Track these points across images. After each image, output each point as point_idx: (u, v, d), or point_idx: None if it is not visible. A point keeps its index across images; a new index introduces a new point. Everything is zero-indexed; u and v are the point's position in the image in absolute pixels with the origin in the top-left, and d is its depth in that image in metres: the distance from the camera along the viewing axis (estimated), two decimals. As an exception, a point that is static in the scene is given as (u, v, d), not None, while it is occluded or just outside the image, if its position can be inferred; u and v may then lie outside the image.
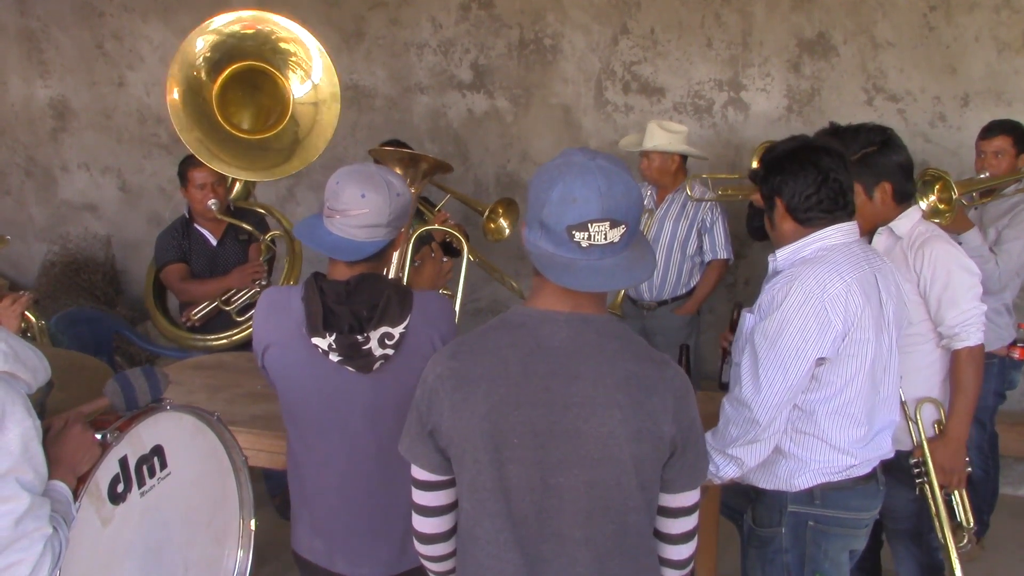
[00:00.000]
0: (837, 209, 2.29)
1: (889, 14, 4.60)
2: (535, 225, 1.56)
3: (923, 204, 3.07)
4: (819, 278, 2.21)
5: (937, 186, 3.12)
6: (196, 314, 4.08)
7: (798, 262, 2.31)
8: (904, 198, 2.69)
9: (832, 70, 4.76)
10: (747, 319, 2.37)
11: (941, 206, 3.09)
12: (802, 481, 2.37)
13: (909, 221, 2.74)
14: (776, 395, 2.24)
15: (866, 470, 2.40)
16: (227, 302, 4.06)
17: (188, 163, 4.04)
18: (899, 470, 2.73)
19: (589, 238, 1.51)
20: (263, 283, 4.07)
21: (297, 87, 4.08)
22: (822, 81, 4.79)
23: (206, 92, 3.93)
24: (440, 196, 4.27)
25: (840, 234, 2.30)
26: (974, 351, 2.72)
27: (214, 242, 4.18)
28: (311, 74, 4.10)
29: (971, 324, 2.70)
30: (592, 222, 1.51)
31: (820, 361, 2.25)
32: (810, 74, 4.80)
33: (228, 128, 3.99)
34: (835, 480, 2.36)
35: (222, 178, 4.06)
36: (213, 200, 4.02)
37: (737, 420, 2.31)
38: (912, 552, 2.88)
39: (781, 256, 2.36)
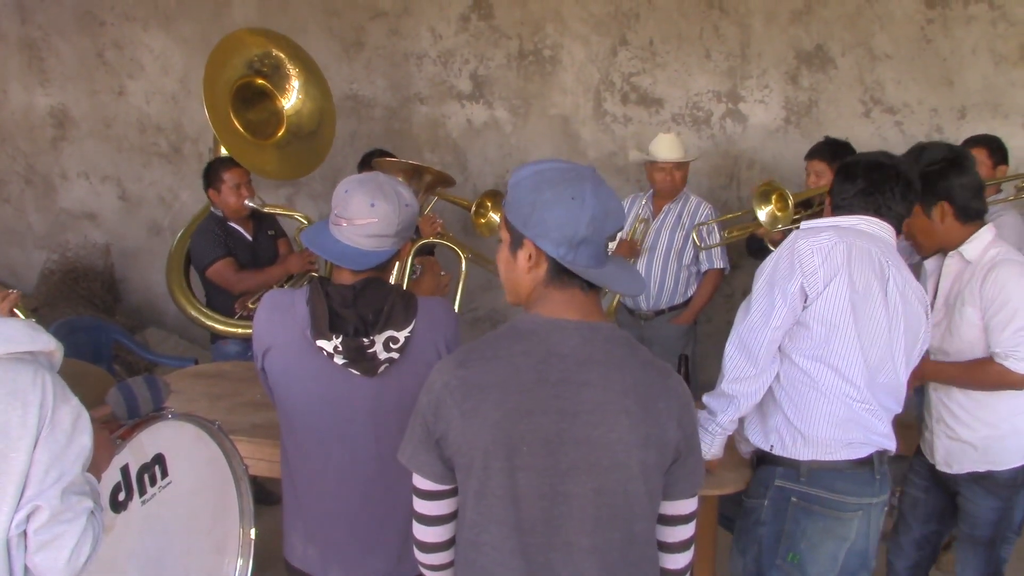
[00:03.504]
0: (870, 215, 2.47)
1: (887, 27, 4.62)
2: (571, 242, 1.56)
3: None
4: (817, 231, 2.42)
5: None
6: (255, 302, 4.16)
7: (813, 225, 2.50)
8: (969, 218, 2.70)
9: (830, 82, 4.78)
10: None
11: None
12: (794, 438, 2.47)
13: (980, 244, 2.71)
14: (764, 321, 2.42)
15: (861, 453, 2.47)
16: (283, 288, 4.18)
17: (220, 165, 4.21)
18: (991, 482, 2.80)
19: (613, 246, 1.57)
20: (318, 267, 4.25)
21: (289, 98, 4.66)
22: (820, 93, 4.81)
23: (227, 103, 4.38)
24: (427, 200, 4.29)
25: (864, 223, 2.46)
26: (1013, 377, 2.63)
27: (250, 238, 4.31)
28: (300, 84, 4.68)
29: (1019, 349, 2.62)
30: (619, 231, 1.63)
31: (805, 300, 2.39)
32: (808, 86, 4.82)
33: (248, 135, 4.42)
34: (825, 459, 2.45)
35: (249, 177, 4.24)
36: (248, 198, 4.20)
37: (731, 354, 2.49)
38: (980, 559, 2.91)
39: (805, 224, 2.53)
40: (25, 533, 1.66)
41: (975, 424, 2.76)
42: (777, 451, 2.50)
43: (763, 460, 2.57)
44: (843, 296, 2.36)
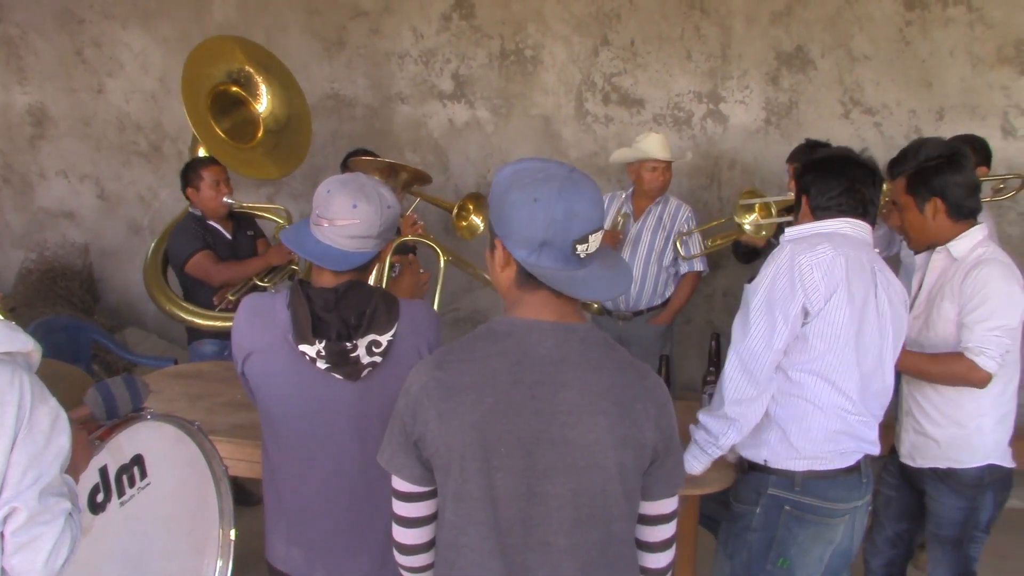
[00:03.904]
0: (855, 215, 2.46)
1: (866, 28, 4.65)
2: (531, 245, 1.54)
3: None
4: (812, 243, 2.37)
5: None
6: (234, 294, 4.19)
7: (800, 235, 2.47)
8: (961, 216, 2.70)
9: (810, 83, 4.81)
10: (747, 290, 2.50)
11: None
12: (788, 452, 2.45)
13: (969, 242, 2.71)
14: (765, 343, 2.37)
15: (851, 461, 2.47)
16: (263, 280, 4.24)
17: (198, 164, 4.24)
18: (955, 481, 2.81)
19: (587, 249, 1.54)
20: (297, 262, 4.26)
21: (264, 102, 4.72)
22: (800, 94, 4.84)
23: (207, 114, 4.44)
24: (407, 202, 4.27)
25: (849, 226, 2.44)
26: (978, 374, 2.64)
27: (229, 236, 4.32)
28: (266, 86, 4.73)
29: (990, 348, 2.62)
30: (592, 233, 1.54)
31: (806, 316, 2.36)
32: (788, 87, 4.84)
33: (227, 139, 4.48)
34: (819, 469, 2.44)
35: (228, 176, 4.26)
36: (227, 195, 4.22)
37: (731, 376, 2.42)
38: (949, 558, 2.93)
39: (789, 235, 2.50)
40: (2, 535, 1.65)
41: (942, 420, 2.78)
42: (771, 464, 2.48)
43: (755, 467, 2.54)
44: (843, 311, 2.34)
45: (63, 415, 1.73)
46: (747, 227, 3.78)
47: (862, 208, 2.45)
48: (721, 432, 2.47)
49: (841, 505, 2.47)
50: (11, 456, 1.64)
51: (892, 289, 2.47)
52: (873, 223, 2.50)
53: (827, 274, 2.32)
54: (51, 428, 1.70)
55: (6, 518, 1.64)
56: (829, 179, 2.46)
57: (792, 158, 4.05)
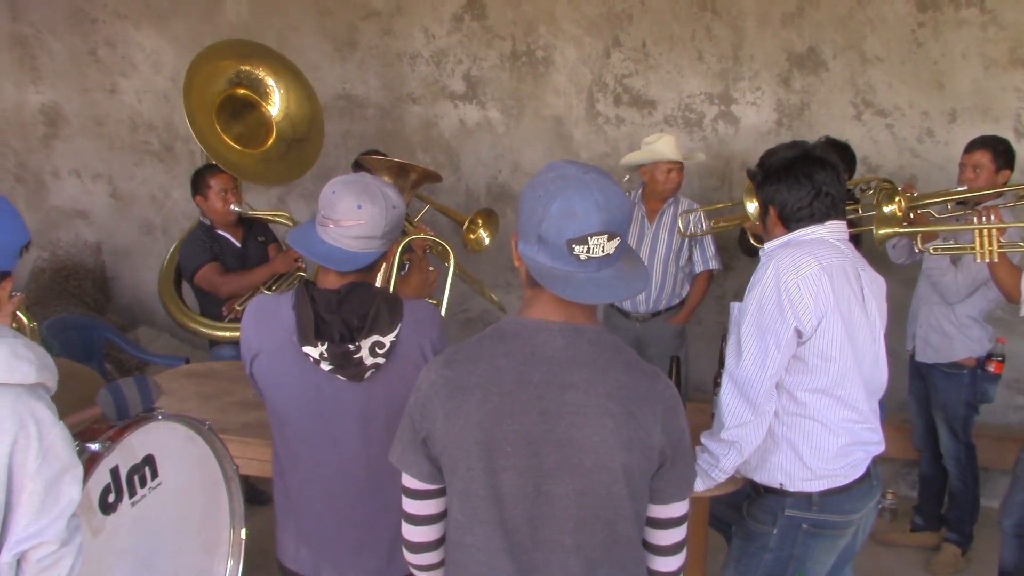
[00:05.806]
0: (828, 219, 2.41)
1: (878, 30, 4.63)
2: (531, 239, 1.57)
3: (886, 209, 3.18)
4: (794, 259, 2.33)
5: (897, 197, 3.24)
6: (241, 304, 4.18)
7: (780, 247, 2.42)
8: None
9: (822, 85, 4.79)
10: (734, 308, 2.47)
11: (899, 213, 3.22)
12: (803, 474, 2.43)
13: None
14: (759, 368, 2.33)
15: (862, 469, 2.47)
16: (270, 289, 4.23)
17: (206, 171, 4.24)
18: None
19: (588, 251, 1.54)
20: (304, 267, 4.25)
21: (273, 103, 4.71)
22: (812, 95, 4.82)
23: (212, 120, 4.43)
24: (418, 208, 4.28)
25: (827, 230, 2.40)
26: None
27: (238, 244, 4.32)
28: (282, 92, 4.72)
29: None
30: (592, 235, 1.53)
31: (800, 337, 2.33)
32: (800, 88, 4.83)
33: (232, 143, 4.46)
34: (835, 486, 2.43)
35: (236, 183, 4.26)
36: (235, 203, 4.21)
37: (728, 402, 2.40)
38: None
39: (769, 248, 2.47)
40: (18, 562, 1.65)
41: None
42: (787, 487, 2.46)
43: (770, 490, 2.51)
44: (837, 327, 2.32)
45: (70, 441, 1.73)
46: (751, 210, 3.74)
47: (834, 209, 2.40)
48: (722, 454, 2.44)
49: (855, 515, 2.47)
50: (27, 487, 1.63)
51: (875, 284, 2.45)
52: (845, 216, 2.46)
53: (815, 294, 2.29)
54: (68, 454, 1.69)
55: (31, 549, 1.64)
56: (793, 190, 2.39)
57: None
